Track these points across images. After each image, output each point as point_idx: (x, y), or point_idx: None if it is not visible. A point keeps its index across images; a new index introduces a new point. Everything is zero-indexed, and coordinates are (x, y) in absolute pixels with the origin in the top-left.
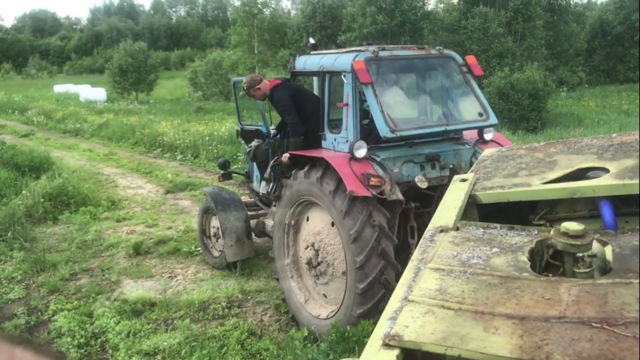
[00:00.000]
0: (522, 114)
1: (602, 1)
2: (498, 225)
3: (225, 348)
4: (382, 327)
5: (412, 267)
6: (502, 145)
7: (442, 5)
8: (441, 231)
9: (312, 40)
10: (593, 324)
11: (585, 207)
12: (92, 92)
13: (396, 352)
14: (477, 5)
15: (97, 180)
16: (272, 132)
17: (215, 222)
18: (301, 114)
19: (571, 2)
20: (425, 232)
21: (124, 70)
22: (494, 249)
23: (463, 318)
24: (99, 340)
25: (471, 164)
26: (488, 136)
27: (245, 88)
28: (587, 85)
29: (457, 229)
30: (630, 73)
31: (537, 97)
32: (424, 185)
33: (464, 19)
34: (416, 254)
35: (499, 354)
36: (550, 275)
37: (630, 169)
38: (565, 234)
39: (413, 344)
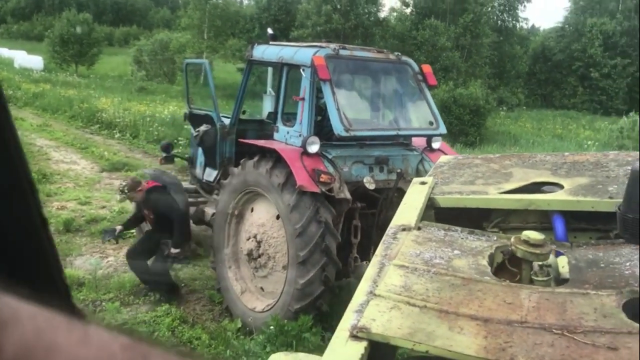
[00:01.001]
0: (462, 128)
1: (545, 28)
2: (459, 229)
3: (156, 334)
4: (349, 319)
5: (376, 262)
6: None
7: (395, 14)
8: (403, 229)
9: (270, 31)
10: (554, 330)
11: (537, 219)
12: (29, 60)
13: (364, 344)
14: (429, 18)
15: (28, 151)
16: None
17: None
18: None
19: (517, 25)
20: (388, 229)
21: (65, 40)
22: (456, 251)
23: (428, 315)
24: None
25: (418, 170)
26: (436, 145)
27: (126, 190)
28: (525, 107)
29: (419, 228)
30: (565, 100)
31: (477, 114)
32: (371, 186)
33: (414, 30)
34: (379, 250)
35: (465, 352)
36: (507, 280)
37: (583, 187)
38: (526, 242)
39: (381, 337)
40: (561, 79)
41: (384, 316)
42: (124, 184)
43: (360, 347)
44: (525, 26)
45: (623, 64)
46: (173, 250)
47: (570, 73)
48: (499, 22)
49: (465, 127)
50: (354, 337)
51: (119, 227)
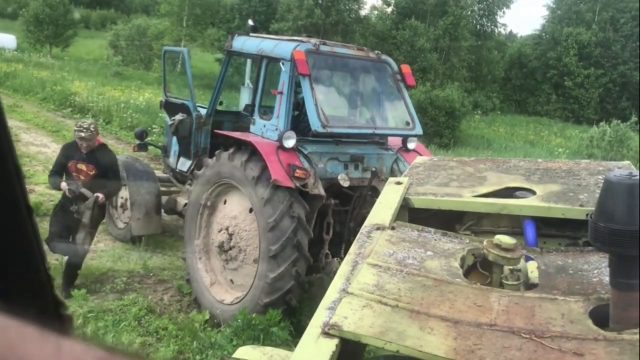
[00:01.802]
0: (437, 129)
1: (522, 35)
2: (432, 230)
3: (122, 323)
4: (321, 315)
5: (350, 260)
6: (422, 156)
7: (376, 12)
8: (377, 229)
9: (250, 22)
10: (522, 334)
11: (509, 224)
12: (1, 38)
13: (335, 341)
14: (410, 18)
15: None
16: None
17: (124, 193)
18: None
19: (495, 30)
20: (362, 227)
21: (40, 20)
22: (428, 252)
23: (400, 315)
24: None
25: (392, 170)
26: (411, 145)
27: (92, 129)
28: (499, 112)
29: (393, 228)
30: (538, 107)
31: (452, 116)
32: (346, 184)
33: (394, 29)
34: (353, 248)
35: (434, 353)
36: (477, 283)
37: (555, 194)
38: (498, 246)
39: (352, 335)
40: (536, 85)
41: (356, 314)
42: (89, 122)
43: (331, 344)
44: (503, 32)
45: (596, 74)
46: (100, 196)
47: (544, 80)
48: (478, 26)
49: (440, 129)
50: (325, 334)
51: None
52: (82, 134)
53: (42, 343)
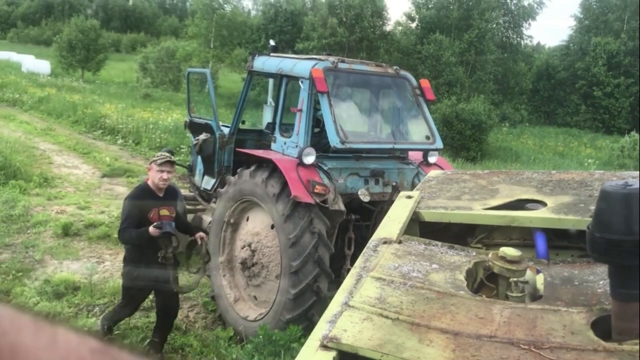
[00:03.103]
0: (464, 143)
1: (550, 46)
2: (439, 243)
3: (148, 340)
4: (321, 329)
5: (354, 274)
6: (444, 169)
7: (400, 28)
8: (384, 242)
9: (272, 42)
10: (521, 345)
11: (520, 236)
12: (36, 64)
13: (333, 354)
14: (434, 33)
15: (31, 155)
16: None
17: None
18: None
19: (522, 42)
20: (369, 242)
21: (73, 46)
22: (434, 265)
23: (400, 328)
24: None
25: (413, 184)
26: (432, 159)
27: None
28: (527, 124)
29: (400, 242)
30: (568, 118)
31: (479, 129)
32: (366, 199)
33: (419, 44)
34: (359, 262)
35: None
36: (484, 295)
37: (566, 205)
38: (503, 259)
39: (350, 348)
40: (564, 96)
41: (356, 327)
42: (166, 153)
43: (328, 356)
44: (529, 43)
45: (626, 83)
46: (202, 235)
47: (573, 91)
48: (504, 38)
49: (467, 142)
50: (323, 347)
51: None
52: (168, 168)
53: (36, 332)
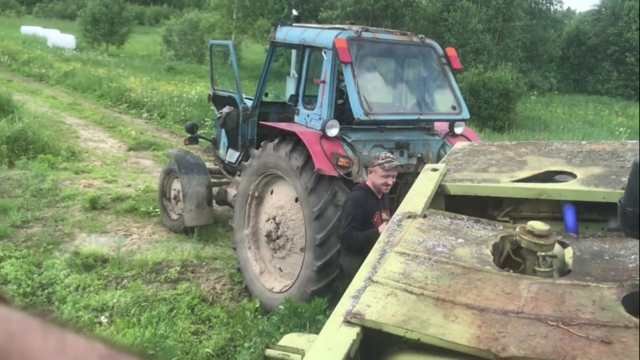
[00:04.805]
0: (491, 112)
1: (581, 11)
2: (465, 217)
3: (175, 311)
4: (345, 304)
5: (378, 248)
6: (471, 140)
7: None
8: (409, 217)
9: (295, 12)
10: (549, 321)
11: (549, 209)
12: (61, 38)
13: (357, 329)
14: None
15: (58, 129)
16: None
17: (176, 185)
18: None
19: (551, 8)
20: (393, 216)
21: (97, 19)
22: (459, 240)
23: (424, 303)
24: (46, 291)
25: (439, 156)
26: (458, 130)
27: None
28: (556, 92)
29: (425, 216)
30: (599, 85)
31: (507, 98)
32: None
33: (445, 11)
34: (383, 237)
35: (456, 341)
36: (511, 270)
37: (596, 177)
38: (531, 233)
39: (374, 324)
40: (595, 63)
41: (379, 303)
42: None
43: (352, 332)
44: (559, 9)
45: None
46: None
47: (605, 57)
48: (533, 4)
49: (495, 112)
50: (347, 322)
51: None
52: (394, 173)
53: (45, 337)
